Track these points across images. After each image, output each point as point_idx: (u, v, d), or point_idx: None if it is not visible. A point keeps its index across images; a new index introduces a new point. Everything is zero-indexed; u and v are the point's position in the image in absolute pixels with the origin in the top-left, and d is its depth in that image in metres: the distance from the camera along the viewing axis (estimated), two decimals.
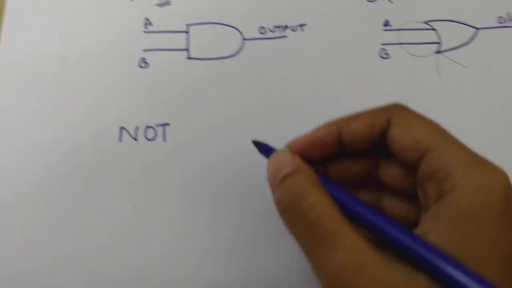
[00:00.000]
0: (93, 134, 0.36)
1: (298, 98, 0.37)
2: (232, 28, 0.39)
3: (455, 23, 0.40)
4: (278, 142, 0.35)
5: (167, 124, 0.36)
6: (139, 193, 0.34)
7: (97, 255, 0.33)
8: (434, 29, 0.39)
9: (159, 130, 0.36)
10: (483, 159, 0.22)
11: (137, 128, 0.36)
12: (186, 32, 0.39)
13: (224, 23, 0.39)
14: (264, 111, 0.36)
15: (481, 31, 0.39)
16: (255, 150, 0.35)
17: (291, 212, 0.23)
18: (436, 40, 0.39)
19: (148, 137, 0.36)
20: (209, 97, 0.37)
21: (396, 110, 0.25)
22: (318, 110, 0.36)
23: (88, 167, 0.35)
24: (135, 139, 0.36)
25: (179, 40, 0.38)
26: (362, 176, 0.27)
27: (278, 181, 0.24)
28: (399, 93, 0.37)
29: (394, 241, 0.21)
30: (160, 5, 0.40)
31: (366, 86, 0.37)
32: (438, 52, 0.39)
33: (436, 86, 0.38)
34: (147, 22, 0.39)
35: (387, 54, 0.38)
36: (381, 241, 0.22)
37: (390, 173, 0.26)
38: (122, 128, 0.36)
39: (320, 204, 0.22)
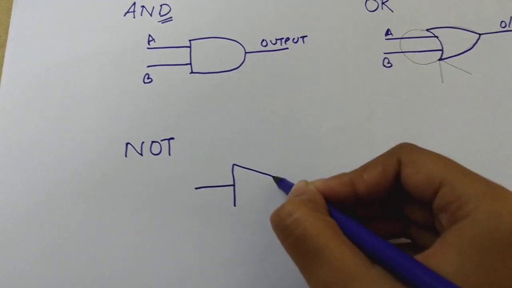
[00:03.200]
0: (99, 151, 0.36)
1: (301, 110, 0.37)
2: (233, 42, 0.39)
3: (456, 29, 0.40)
4: (282, 153, 0.36)
5: (172, 138, 0.36)
6: (146, 207, 0.34)
7: (105, 268, 0.33)
8: (436, 37, 0.39)
9: (164, 144, 0.36)
10: (497, 188, 0.22)
11: (142, 143, 0.36)
12: (189, 47, 0.39)
13: (226, 37, 0.39)
14: (268, 123, 0.37)
15: (483, 36, 0.39)
16: (260, 163, 0.35)
17: (280, 227, 0.24)
18: (438, 48, 0.39)
19: (154, 152, 0.36)
20: (213, 110, 0.37)
21: (404, 151, 0.25)
22: (321, 121, 0.37)
23: (94, 183, 0.35)
24: (141, 154, 0.36)
25: (182, 55, 0.39)
26: (389, 214, 0.28)
27: (290, 199, 0.27)
28: (403, 102, 0.37)
29: (385, 258, 0.22)
30: (163, 21, 0.40)
31: (369, 95, 0.37)
32: (441, 59, 0.39)
33: (440, 93, 0.37)
34: (151, 39, 0.40)
35: (389, 63, 0.38)
36: (379, 261, 0.22)
37: (412, 209, 0.27)
38: (128, 143, 0.36)
39: (307, 221, 0.23)
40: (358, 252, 0.22)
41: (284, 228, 0.24)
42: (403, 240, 0.29)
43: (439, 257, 0.21)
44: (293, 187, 0.28)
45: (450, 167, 0.24)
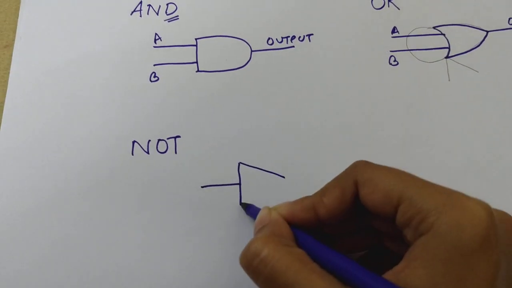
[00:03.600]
0: (106, 149, 0.36)
1: (307, 108, 0.37)
2: (240, 40, 0.39)
3: (464, 26, 0.39)
4: (288, 152, 0.36)
5: (178, 136, 0.36)
6: (152, 205, 0.35)
7: (111, 265, 0.33)
8: (443, 34, 0.39)
9: (170, 142, 0.36)
10: (456, 197, 0.22)
11: (149, 141, 0.36)
12: (195, 45, 0.39)
13: (232, 35, 0.39)
14: (273, 121, 0.37)
15: (490, 33, 0.39)
16: (266, 162, 0.35)
17: (249, 269, 0.24)
18: (445, 45, 0.39)
19: (160, 150, 0.36)
20: (219, 108, 0.37)
21: (359, 170, 0.25)
22: (327, 119, 0.37)
23: (101, 181, 0.35)
24: (147, 152, 0.36)
25: (188, 54, 0.39)
26: (361, 227, 0.28)
27: (256, 232, 0.28)
28: (409, 100, 0.37)
29: (356, 281, 0.22)
30: (169, 20, 0.40)
31: (375, 93, 0.37)
32: (448, 57, 0.38)
33: (446, 92, 0.37)
34: (157, 37, 0.40)
35: (396, 61, 0.38)
36: (350, 283, 0.22)
37: (380, 222, 0.27)
38: (134, 141, 0.36)
39: (273, 258, 0.23)
40: (329, 278, 0.22)
41: (253, 270, 0.24)
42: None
43: (408, 272, 0.21)
44: (257, 218, 0.28)
45: (407, 181, 0.23)
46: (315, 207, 0.26)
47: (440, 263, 0.20)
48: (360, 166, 0.25)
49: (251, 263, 0.24)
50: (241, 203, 0.34)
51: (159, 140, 0.36)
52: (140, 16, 0.41)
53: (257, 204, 0.33)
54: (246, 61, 0.39)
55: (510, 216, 0.25)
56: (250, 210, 0.33)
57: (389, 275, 0.22)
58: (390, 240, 0.27)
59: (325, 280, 0.22)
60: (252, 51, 0.39)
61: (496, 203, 0.33)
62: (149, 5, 0.41)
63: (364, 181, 0.24)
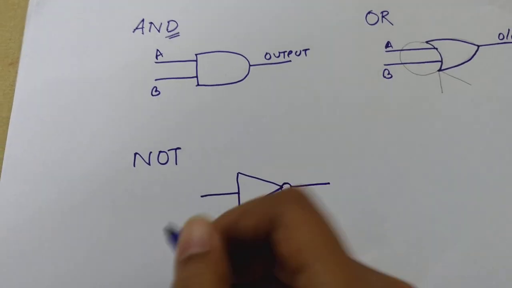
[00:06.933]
0: (108, 161, 0.37)
1: (303, 120, 0.38)
2: (238, 55, 0.41)
3: (456, 41, 0.41)
4: (285, 162, 0.36)
5: (178, 148, 0.37)
6: (153, 215, 0.35)
7: (112, 275, 0.34)
8: (435, 48, 0.40)
9: (171, 154, 0.37)
10: (358, 285, 0.19)
11: (150, 153, 0.37)
12: (195, 61, 0.41)
13: (231, 50, 0.41)
14: (271, 133, 0.38)
15: (481, 48, 0.40)
16: (264, 172, 0.36)
17: None
18: (438, 59, 0.40)
19: (161, 162, 0.37)
20: (218, 121, 0.38)
21: (285, 207, 0.21)
22: (323, 131, 0.37)
23: (103, 192, 0.36)
24: (149, 163, 0.37)
25: (188, 69, 0.40)
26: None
27: (182, 260, 0.21)
28: (403, 112, 0.38)
29: None
30: (170, 37, 0.42)
31: (370, 105, 0.38)
32: (440, 70, 0.40)
33: (440, 103, 0.38)
34: (159, 53, 0.41)
35: (390, 74, 0.39)
36: None
37: (281, 274, 0.23)
38: (136, 153, 0.37)
39: None
40: None
41: None
42: None
43: None
44: (186, 236, 0.22)
45: (319, 248, 0.20)
46: (232, 227, 0.22)
47: None
48: (286, 200, 0.21)
49: None
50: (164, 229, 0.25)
51: (160, 151, 0.37)
52: (142, 33, 0.42)
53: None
54: (245, 75, 0.40)
55: None
56: (174, 238, 0.24)
57: None
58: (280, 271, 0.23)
59: None
60: (250, 65, 0.40)
61: (490, 210, 0.34)
62: (151, 23, 0.42)
63: (282, 224, 0.21)
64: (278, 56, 0.40)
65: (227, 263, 0.21)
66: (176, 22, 0.42)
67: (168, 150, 0.37)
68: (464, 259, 0.33)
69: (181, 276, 0.21)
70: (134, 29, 0.42)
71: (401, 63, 0.40)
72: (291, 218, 0.21)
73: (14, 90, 0.41)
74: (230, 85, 0.39)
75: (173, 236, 0.24)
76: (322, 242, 0.20)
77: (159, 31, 0.42)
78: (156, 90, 0.40)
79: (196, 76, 0.40)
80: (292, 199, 0.21)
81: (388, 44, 0.41)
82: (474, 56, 0.40)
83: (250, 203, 0.23)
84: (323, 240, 0.20)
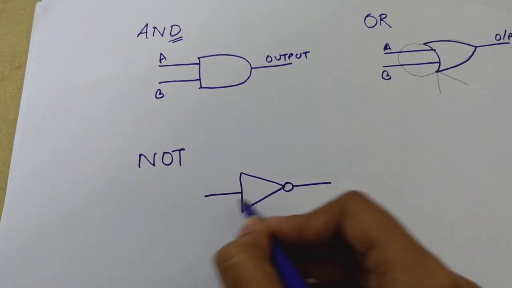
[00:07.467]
0: (113, 162, 0.38)
1: (304, 121, 0.39)
2: (240, 58, 0.41)
3: (453, 42, 0.41)
4: (286, 162, 0.37)
5: (182, 149, 0.38)
6: (158, 214, 0.36)
7: (117, 273, 0.35)
8: (433, 50, 0.41)
9: (175, 155, 0.38)
10: (427, 264, 0.21)
11: (155, 154, 0.38)
12: (198, 64, 0.41)
13: (232, 54, 0.42)
14: (272, 133, 0.38)
15: (479, 48, 0.41)
16: (266, 171, 0.37)
17: (217, 269, 0.25)
18: (435, 60, 0.41)
19: (165, 162, 0.38)
20: (221, 122, 0.39)
21: (350, 201, 0.25)
22: (323, 131, 0.38)
23: (109, 193, 0.37)
24: (153, 164, 0.38)
25: (191, 72, 0.41)
26: (340, 258, 0.28)
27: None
28: (402, 112, 0.39)
29: None
30: (173, 41, 0.43)
31: (369, 106, 0.39)
32: (438, 71, 0.40)
33: (438, 103, 0.39)
34: (162, 57, 0.42)
35: (388, 76, 0.40)
36: None
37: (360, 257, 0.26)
38: (141, 154, 0.38)
39: (242, 267, 0.24)
40: None
41: (221, 271, 0.25)
42: None
43: None
44: (243, 224, 0.28)
45: (387, 227, 0.23)
46: (301, 227, 0.26)
47: None
48: (351, 197, 0.25)
49: (221, 264, 0.25)
50: (242, 203, 0.35)
51: (164, 152, 0.38)
52: (146, 37, 0.43)
53: (257, 210, 0.34)
54: (246, 78, 0.41)
55: (476, 286, 0.24)
56: (247, 210, 0.34)
57: None
58: (364, 279, 0.26)
59: None
60: (251, 68, 0.41)
61: (488, 210, 0.35)
62: (155, 27, 0.43)
63: (349, 212, 0.24)
64: (279, 59, 0.41)
65: (267, 243, 0.26)
66: (179, 27, 0.43)
67: (172, 151, 0.38)
68: (462, 259, 0.34)
69: (230, 246, 0.25)
70: (138, 34, 0.43)
71: (400, 65, 0.40)
72: (357, 206, 0.24)
73: (21, 93, 0.41)
74: (232, 87, 0.40)
75: (244, 207, 0.34)
76: (386, 222, 0.23)
77: (162, 35, 0.43)
78: (160, 93, 0.40)
79: (199, 79, 0.41)
80: (355, 195, 0.25)
81: (386, 46, 0.41)
82: (472, 57, 0.41)
83: (318, 208, 0.26)
84: (387, 220, 0.23)
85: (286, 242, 0.27)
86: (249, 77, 0.41)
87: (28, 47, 0.44)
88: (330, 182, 0.36)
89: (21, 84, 0.42)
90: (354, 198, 0.25)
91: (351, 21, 0.42)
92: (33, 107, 0.41)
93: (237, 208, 0.36)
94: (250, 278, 0.23)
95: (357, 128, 0.38)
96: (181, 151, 0.38)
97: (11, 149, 0.39)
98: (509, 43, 0.41)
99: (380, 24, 0.42)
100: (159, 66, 0.42)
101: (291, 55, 0.41)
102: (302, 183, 0.37)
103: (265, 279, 0.23)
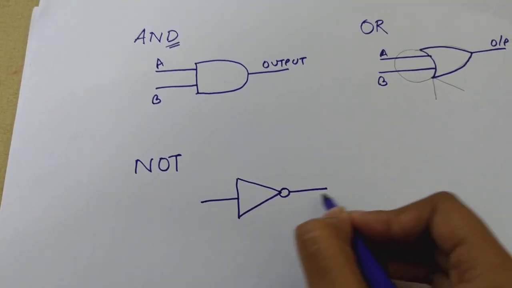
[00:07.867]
0: (110, 167, 0.38)
1: (300, 126, 0.39)
2: (237, 64, 0.41)
3: (449, 48, 0.41)
4: (283, 168, 0.37)
5: (179, 155, 0.38)
6: (154, 220, 0.36)
7: (113, 279, 0.35)
8: (429, 56, 0.41)
9: (172, 161, 0.38)
10: (509, 261, 0.23)
11: (151, 159, 0.38)
12: (195, 69, 0.41)
13: (229, 59, 0.42)
14: (269, 139, 0.38)
15: (474, 54, 0.41)
16: (262, 177, 0.37)
17: (298, 240, 0.26)
18: (431, 66, 0.41)
19: (162, 168, 0.38)
20: (217, 128, 0.39)
21: (442, 199, 0.26)
22: (320, 137, 0.38)
23: (105, 198, 0.37)
24: (150, 170, 0.38)
25: (189, 77, 0.41)
26: (416, 257, 0.29)
27: None
28: (398, 118, 0.39)
29: None
30: (170, 46, 0.43)
31: (366, 112, 0.39)
32: (434, 77, 0.40)
33: (434, 109, 0.39)
34: (159, 62, 0.42)
35: (385, 82, 0.40)
36: None
37: (438, 255, 0.27)
38: (138, 160, 0.38)
39: (323, 242, 0.24)
40: (364, 287, 0.23)
41: (301, 243, 0.25)
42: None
43: None
44: (329, 210, 0.30)
45: (476, 228, 0.24)
46: (389, 221, 0.27)
47: None
48: (442, 196, 0.26)
49: (302, 235, 0.25)
50: (322, 195, 0.35)
51: (161, 158, 0.38)
52: (143, 43, 0.43)
53: (253, 216, 0.34)
54: (243, 83, 0.41)
55: None
56: (327, 203, 0.34)
57: None
58: (441, 277, 0.28)
59: (361, 286, 0.23)
60: (248, 73, 0.41)
61: (486, 213, 0.35)
62: (152, 33, 0.43)
63: (440, 211, 0.25)
64: (276, 65, 0.41)
65: (350, 230, 0.27)
66: (176, 32, 0.43)
67: (169, 157, 0.38)
68: None
69: (313, 221, 0.26)
70: (135, 39, 0.43)
71: (396, 71, 0.41)
72: (446, 206, 0.25)
73: (17, 98, 0.41)
74: (229, 92, 0.40)
75: (326, 200, 0.34)
76: (475, 223, 0.24)
77: (159, 40, 0.43)
78: (157, 98, 0.40)
79: (196, 84, 0.41)
80: (446, 195, 0.26)
81: (383, 52, 0.41)
82: (467, 63, 0.41)
83: (407, 205, 0.27)
84: (476, 221, 0.25)
85: (368, 236, 0.27)
86: (246, 83, 0.41)
87: (24, 52, 0.44)
88: (326, 188, 0.36)
89: (18, 89, 0.42)
90: (445, 197, 0.26)
91: (347, 27, 0.42)
92: (30, 112, 0.41)
93: (233, 213, 0.36)
94: (329, 253, 0.24)
95: (353, 134, 0.38)
96: (178, 157, 0.38)
97: (7, 154, 0.39)
98: (505, 48, 0.41)
99: (377, 30, 0.42)
100: (156, 71, 0.42)
101: (288, 60, 0.41)
102: (299, 189, 0.37)
103: (344, 258, 0.24)
